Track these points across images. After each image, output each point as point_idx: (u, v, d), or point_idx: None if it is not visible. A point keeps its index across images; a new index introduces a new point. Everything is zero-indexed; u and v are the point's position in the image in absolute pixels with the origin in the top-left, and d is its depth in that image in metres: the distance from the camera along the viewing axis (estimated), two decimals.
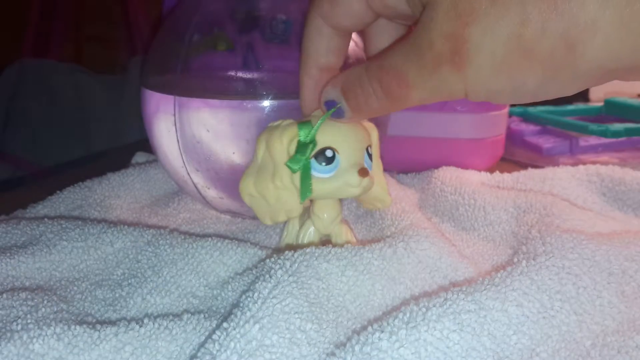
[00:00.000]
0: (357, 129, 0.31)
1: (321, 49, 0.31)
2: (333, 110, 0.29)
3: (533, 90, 0.25)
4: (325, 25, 0.30)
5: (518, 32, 0.23)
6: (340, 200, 0.34)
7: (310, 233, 0.34)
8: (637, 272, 0.30)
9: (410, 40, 0.26)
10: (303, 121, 0.31)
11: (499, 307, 0.27)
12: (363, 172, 0.30)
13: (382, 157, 0.36)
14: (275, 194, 0.31)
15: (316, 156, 0.30)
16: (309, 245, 0.32)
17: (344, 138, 0.31)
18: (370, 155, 0.32)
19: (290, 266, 0.29)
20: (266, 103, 0.37)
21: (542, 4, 0.22)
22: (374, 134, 0.34)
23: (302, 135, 0.30)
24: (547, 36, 0.23)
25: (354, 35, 0.39)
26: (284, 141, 0.30)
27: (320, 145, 0.30)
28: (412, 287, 0.31)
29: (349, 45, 0.32)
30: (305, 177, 0.30)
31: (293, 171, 0.30)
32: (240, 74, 0.40)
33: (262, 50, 0.40)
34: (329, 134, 0.30)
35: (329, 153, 0.30)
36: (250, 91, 0.38)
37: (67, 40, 1.01)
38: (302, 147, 0.30)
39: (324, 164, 0.30)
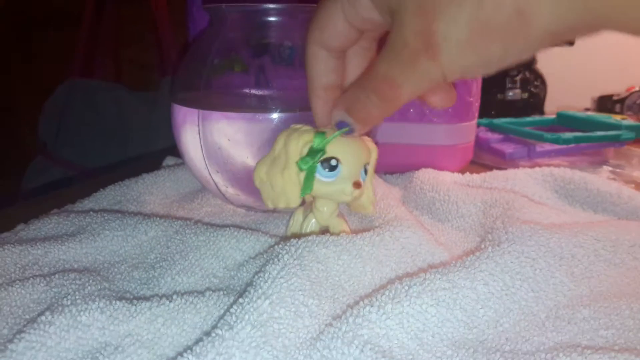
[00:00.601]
0: (360, 148, 0.32)
1: (322, 71, 0.31)
2: (345, 130, 0.30)
3: (497, 60, 0.24)
4: (321, 49, 0.30)
5: (476, 15, 0.23)
6: None
7: (312, 224, 0.34)
8: (584, 257, 0.30)
9: (388, 47, 0.26)
10: (319, 131, 0.31)
11: (469, 286, 0.27)
12: (357, 184, 0.31)
13: None
14: (281, 184, 0.31)
15: (323, 162, 0.30)
16: (310, 234, 0.32)
17: (348, 153, 0.31)
18: (366, 171, 0.32)
19: (295, 251, 0.29)
20: (275, 116, 0.37)
21: None
22: (374, 154, 0.34)
23: (316, 142, 0.30)
24: (501, 12, 0.23)
25: None
26: (300, 143, 0.31)
27: (328, 154, 0.30)
28: (397, 269, 0.31)
29: (345, 62, 0.31)
30: (310, 176, 0.31)
31: (301, 169, 0.31)
32: (253, 92, 0.40)
33: (272, 71, 0.39)
34: (337, 147, 0.30)
35: (333, 162, 0.30)
36: (262, 106, 0.38)
37: (108, 63, 1.01)
38: (313, 151, 0.30)
39: (327, 170, 0.30)
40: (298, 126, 0.32)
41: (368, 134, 0.37)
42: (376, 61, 0.27)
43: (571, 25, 0.22)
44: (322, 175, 0.31)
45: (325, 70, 0.31)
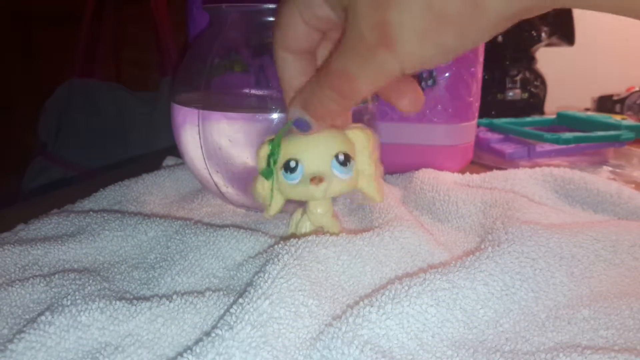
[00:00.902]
0: (321, 139, 0.31)
1: (291, 75, 0.30)
2: (289, 125, 0.30)
3: (454, 48, 0.24)
4: (286, 53, 0.30)
5: (429, 3, 0.23)
6: (331, 198, 0.34)
7: (306, 225, 0.34)
8: (584, 257, 0.30)
9: (343, 41, 0.26)
10: (271, 137, 0.31)
11: (468, 286, 0.27)
12: (315, 180, 0.30)
13: None
14: (262, 195, 0.32)
15: (284, 166, 0.30)
16: (305, 235, 0.32)
17: (305, 149, 0.30)
18: (342, 161, 0.31)
19: (295, 251, 0.29)
20: (275, 116, 0.37)
21: None
22: (364, 139, 0.33)
23: (270, 149, 0.31)
24: (451, 2, 0.22)
25: None
26: (261, 154, 0.31)
27: (287, 156, 0.30)
28: (397, 269, 0.31)
29: (315, 63, 0.31)
30: (272, 184, 0.31)
31: (266, 179, 0.31)
32: (253, 92, 0.40)
33: (272, 71, 0.39)
34: (296, 147, 0.30)
35: (292, 164, 0.30)
36: (262, 106, 0.38)
37: (109, 63, 1.01)
38: (268, 158, 0.31)
39: (289, 172, 0.30)
40: (270, 137, 0.32)
41: (361, 121, 0.37)
42: (331, 57, 0.27)
43: (526, 7, 0.22)
44: (287, 179, 0.30)
45: (294, 73, 0.30)
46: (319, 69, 0.29)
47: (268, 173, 0.31)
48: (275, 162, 0.31)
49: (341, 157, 0.31)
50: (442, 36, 0.24)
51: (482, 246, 0.32)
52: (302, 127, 0.30)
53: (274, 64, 0.31)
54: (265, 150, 0.31)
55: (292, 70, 0.30)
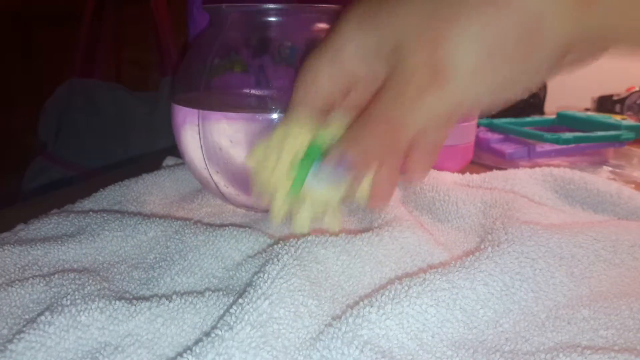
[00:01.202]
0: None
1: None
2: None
3: (508, 85, 0.23)
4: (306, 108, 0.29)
5: (483, 38, 0.22)
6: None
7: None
8: (584, 257, 0.30)
9: (387, 87, 0.25)
10: (317, 133, 0.29)
11: (468, 286, 0.27)
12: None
13: None
14: (269, 180, 0.30)
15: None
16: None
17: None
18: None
19: (294, 252, 0.29)
20: (275, 116, 0.37)
21: (489, 9, 0.22)
22: None
23: (316, 143, 0.29)
24: (511, 31, 0.22)
25: None
26: (298, 142, 0.29)
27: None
28: (396, 269, 0.31)
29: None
30: (303, 178, 0.29)
31: (301, 169, 0.29)
32: (253, 92, 0.40)
33: (272, 71, 0.39)
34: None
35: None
36: (262, 106, 0.38)
37: (109, 63, 1.01)
38: (312, 153, 0.29)
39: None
40: (296, 123, 0.30)
41: None
42: (372, 106, 0.26)
43: (582, 38, 0.22)
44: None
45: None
46: (360, 115, 0.27)
47: (304, 167, 0.29)
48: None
49: None
50: (497, 72, 0.23)
51: (482, 246, 0.32)
52: (339, 172, 0.28)
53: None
54: (305, 140, 0.29)
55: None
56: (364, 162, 0.27)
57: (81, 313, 0.25)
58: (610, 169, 0.55)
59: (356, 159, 0.27)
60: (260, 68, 0.40)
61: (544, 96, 0.77)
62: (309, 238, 0.31)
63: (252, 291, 0.26)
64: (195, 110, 0.38)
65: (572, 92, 0.83)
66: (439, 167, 0.49)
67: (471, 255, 0.30)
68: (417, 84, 0.24)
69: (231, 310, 0.25)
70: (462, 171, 0.49)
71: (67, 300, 0.27)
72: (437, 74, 0.23)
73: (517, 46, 0.22)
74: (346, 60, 0.26)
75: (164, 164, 0.54)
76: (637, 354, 0.22)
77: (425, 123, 0.25)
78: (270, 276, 0.27)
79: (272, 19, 0.38)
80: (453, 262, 0.29)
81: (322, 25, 0.40)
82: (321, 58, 0.27)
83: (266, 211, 0.42)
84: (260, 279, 0.27)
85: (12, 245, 0.34)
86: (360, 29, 0.26)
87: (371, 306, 0.25)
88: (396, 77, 0.24)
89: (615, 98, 0.77)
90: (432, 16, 0.23)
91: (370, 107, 0.26)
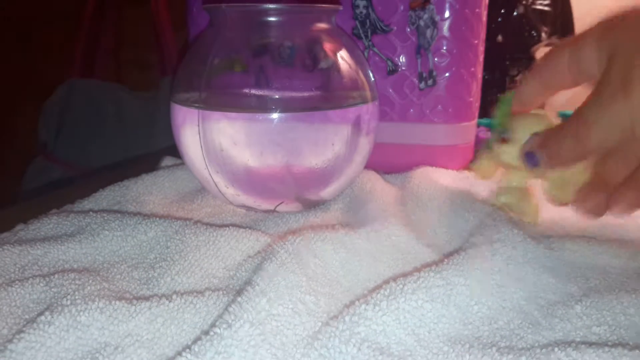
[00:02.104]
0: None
1: (530, 90, 0.35)
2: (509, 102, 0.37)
3: None
4: (537, 81, 0.35)
5: None
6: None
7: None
8: (568, 264, 0.31)
9: (593, 90, 0.28)
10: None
11: (462, 283, 0.28)
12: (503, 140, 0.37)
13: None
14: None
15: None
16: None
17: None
18: None
19: (291, 248, 0.29)
20: (275, 116, 0.37)
21: None
22: None
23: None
24: None
25: None
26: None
27: None
28: (393, 266, 0.32)
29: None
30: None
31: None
32: (253, 92, 0.40)
33: (272, 71, 0.40)
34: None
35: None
36: (262, 106, 0.38)
37: (109, 63, 1.01)
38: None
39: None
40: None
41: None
42: (583, 105, 0.29)
43: None
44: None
45: (532, 90, 0.35)
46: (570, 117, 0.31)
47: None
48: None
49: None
50: None
51: (475, 241, 0.32)
52: (531, 162, 0.33)
53: (532, 70, 0.35)
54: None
55: (528, 89, 0.35)
56: (556, 154, 0.31)
57: (81, 313, 0.25)
58: None
59: (551, 148, 0.31)
60: (260, 68, 0.40)
61: None
62: (307, 234, 0.31)
63: (250, 289, 0.26)
64: (195, 110, 0.38)
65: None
66: (439, 167, 0.49)
67: (464, 253, 0.30)
68: (611, 88, 0.26)
69: (230, 309, 0.25)
70: (462, 171, 0.49)
71: (67, 300, 0.27)
72: (626, 82, 0.26)
73: None
74: (582, 59, 0.30)
75: (162, 164, 0.54)
76: (631, 348, 0.22)
77: (607, 130, 0.27)
78: (268, 273, 0.27)
79: (272, 18, 0.39)
80: (446, 260, 0.30)
81: (322, 25, 0.40)
82: (564, 49, 0.31)
83: (266, 211, 0.42)
84: (258, 277, 0.27)
85: (11, 245, 0.34)
86: (600, 37, 0.29)
87: (367, 304, 0.25)
88: (601, 79, 0.28)
89: None
90: None
91: (577, 109, 0.30)
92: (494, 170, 0.39)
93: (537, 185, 0.37)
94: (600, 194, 0.31)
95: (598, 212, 0.32)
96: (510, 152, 0.36)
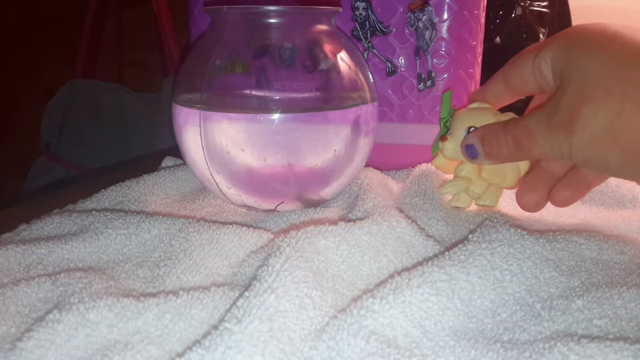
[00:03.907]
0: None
1: (492, 90, 0.37)
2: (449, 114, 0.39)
3: (613, 167, 0.27)
4: (501, 81, 0.36)
5: (612, 120, 0.26)
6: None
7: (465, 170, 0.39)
8: (570, 258, 0.31)
9: (543, 108, 0.29)
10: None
11: (464, 278, 0.28)
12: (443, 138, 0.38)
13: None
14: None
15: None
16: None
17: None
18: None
19: (295, 243, 0.29)
20: (275, 116, 0.37)
21: (635, 108, 0.25)
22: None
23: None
24: (631, 130, 0.26)
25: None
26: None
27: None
28: (394, 260, 0.32)
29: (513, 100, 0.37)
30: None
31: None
32: (254, 92, 0.40)
33: (273, 72, 0.40)
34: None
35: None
36: (263, 106, 0.38)
37: (111, 63, 1.01)
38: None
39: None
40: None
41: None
42: (528, 114, 0.31)
43: None
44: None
45: (493, 90, 0.37)
46: (513, 119, 0.33)
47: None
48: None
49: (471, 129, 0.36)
50: (607, 151, 0.27)
51: (472, 238, 0.32)
52: (471, 153, 0.34)
53: (499, 72, 0.36)
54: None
55: (494, 88, 0.36)
56: (494, 152, 0.33)
57: (89, 311, 0.25)
58: None
59: (490, 146, 0.33)
60: (260, 69, 0.40)
61: None
62: (309, 229, 0.31)
63: (257, 284, 0.26)
64: (197, 111, 0.38)
65: None
66: None
67: (464, 250, 0.30)
68: (557, 120, 0.28)
69: (238, 304, 0.25)
70: None
71: (74, 298, 0.27)
72: (571, 123, 0.27)
73: (632, 143, 0.26)
74: (542, 68, 0.31)
75: (163, 164, 0.54)
76: (632, 342, 0.22)
77: (547, 152, 0.30)
78: (274, 269, 0.27)
79: (272, 20, 0.39)
80: (447, 255, 0.30)
81: (322, 27, 0.41)
82: (531, 53, 0.32)
83: (267, 211, 0.42)
84: (264, 272, 0.27)
85: (15, 245, 0.34)
86: (559, 50, 0.30)
87: (374, 297, 0.26)
88: (550, 104, 0.29)
89: None
90: (602, 78, 0.27)
91: (521, 117, 0.32)
92: (451, 165, 0.40)
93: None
94: (537, 193, 0.35)
95: (534, 209, 0.36)
96: (451, 148, 0.37)
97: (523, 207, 0.36)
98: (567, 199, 0.35)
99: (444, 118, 0.39)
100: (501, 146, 0.32)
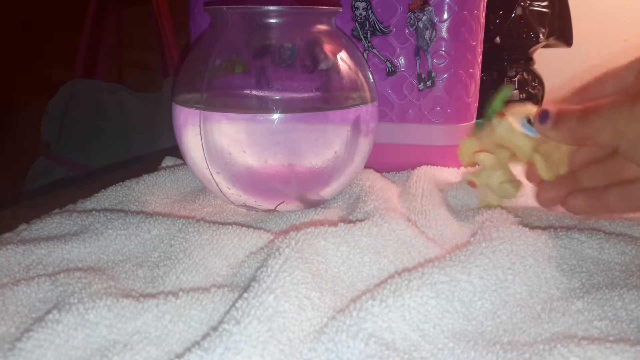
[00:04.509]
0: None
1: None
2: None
3: None
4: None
5: None
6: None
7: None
8: (572, 256, 0.31)
9: (616, 97, 0.31)
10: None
11: (465, 279, 0.28)
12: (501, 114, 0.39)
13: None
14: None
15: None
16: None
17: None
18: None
19: (295, 244, 0.29)
20: (275, 116, 0.37)
21: None
22: None
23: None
24: None
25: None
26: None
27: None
28: (394, 260, 0.32)
29: None
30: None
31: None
32: (254, 92, 0.40)
33: (272, 72, 0.40)
34: None
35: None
36: (262, 106, 0.38)
37: (111, 64, 1.01)
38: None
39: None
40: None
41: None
42: (603, 101, 0.32)
43: None
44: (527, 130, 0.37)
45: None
46: (592, 104, 0.33)
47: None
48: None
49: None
50: None
51: (474, 240, 0.33)
52: (542, 119, 0.35)
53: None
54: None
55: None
56: (564, 121, 0.34)
57: (89, 311, 0.25)
58: None
59: (563, 114, 0.34)
60: (260, 69, 0.40)
61: (542, 97, 0.78)
62: (309, 230, 0.31)
63: (256, 285, 0.26)
64: (197, 111, 0.38)
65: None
66: (439, 166, 0.50)
67: (465, 249, 0.30)
68: (626, 94, 0.30)
69: (237, 305, 0.25)
70: (462, 168, 0.50)
71: (74, 298, 0.27)
72: (637, 95, 0.29)
73: None
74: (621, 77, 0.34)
75: (162, 164, 0.54)
76: (632, 344, 0.22)
77: (606, 130, 0.31)
78: (273, 270, 0.27)
79: (272, 20, 0.39)
80: (449, 256, 0.30)
81: (322, 27, 0.41)
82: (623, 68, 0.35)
83: (267, 211, 0.42)
84: (263, 273, 0.27)
85: (15, 245, 0.34)
86: None
87: (374, 299, 0.26)
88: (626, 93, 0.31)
89: None
90: None
91: (598, 103, 0.33)
92: (473, 156, 0.40)
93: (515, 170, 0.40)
94: (560, 190, 0.36)
95: (550, 204, 0.37)
96: (506, 125, 0.38)
97: (540, 200, 0.38)
98: (579, 207, 0.36)
99: (494, 109, 0.39)
100: (571, 117, 0.33)
